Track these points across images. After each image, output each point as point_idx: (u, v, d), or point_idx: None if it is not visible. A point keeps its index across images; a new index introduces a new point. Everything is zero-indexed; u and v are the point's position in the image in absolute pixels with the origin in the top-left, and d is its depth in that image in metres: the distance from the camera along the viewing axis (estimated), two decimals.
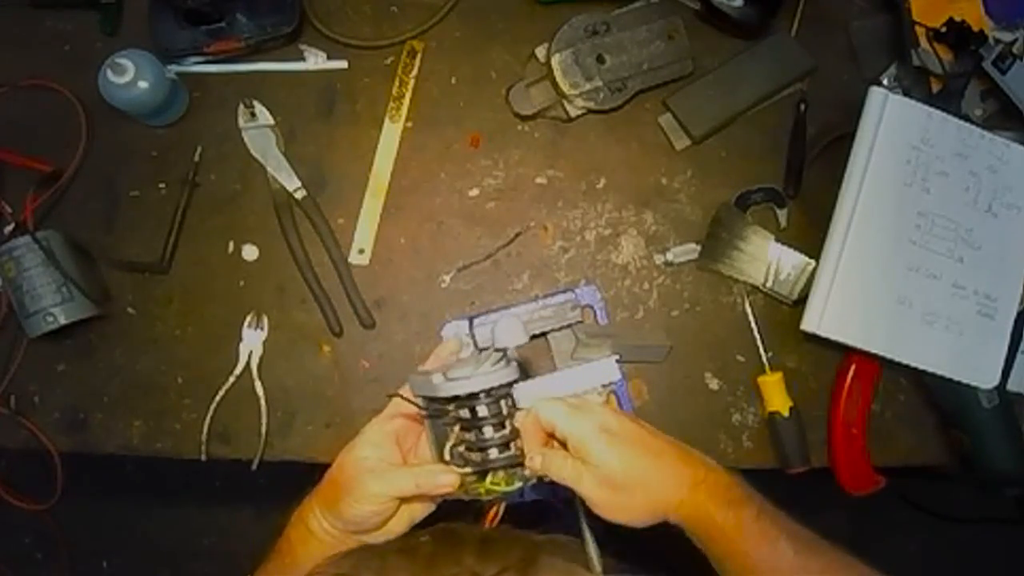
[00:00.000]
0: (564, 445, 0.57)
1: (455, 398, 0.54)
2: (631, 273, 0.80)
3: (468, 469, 0.55)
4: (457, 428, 0.55)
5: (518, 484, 0.55)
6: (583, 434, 0.55)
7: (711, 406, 0.78)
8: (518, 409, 0.57)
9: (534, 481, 0.57)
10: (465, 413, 0.54)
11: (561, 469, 0.55)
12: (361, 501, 0.54)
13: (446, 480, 0.54)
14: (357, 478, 0.55)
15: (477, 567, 0.30)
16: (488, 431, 0.54)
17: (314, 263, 0.78)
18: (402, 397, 0.57)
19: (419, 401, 0.56)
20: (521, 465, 0.55)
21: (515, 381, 0.55)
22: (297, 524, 0.58)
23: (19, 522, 1.47)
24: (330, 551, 0.55)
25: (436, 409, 0.55)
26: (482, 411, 0.54)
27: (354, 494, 0.55)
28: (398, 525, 0.57)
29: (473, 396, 0.53)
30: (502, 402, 0.55)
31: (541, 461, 0.55)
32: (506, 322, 0.54)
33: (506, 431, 0.55)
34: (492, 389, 0.53)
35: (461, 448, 0.55)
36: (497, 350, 0.54)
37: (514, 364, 0.55)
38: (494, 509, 0.60)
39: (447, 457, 0.56)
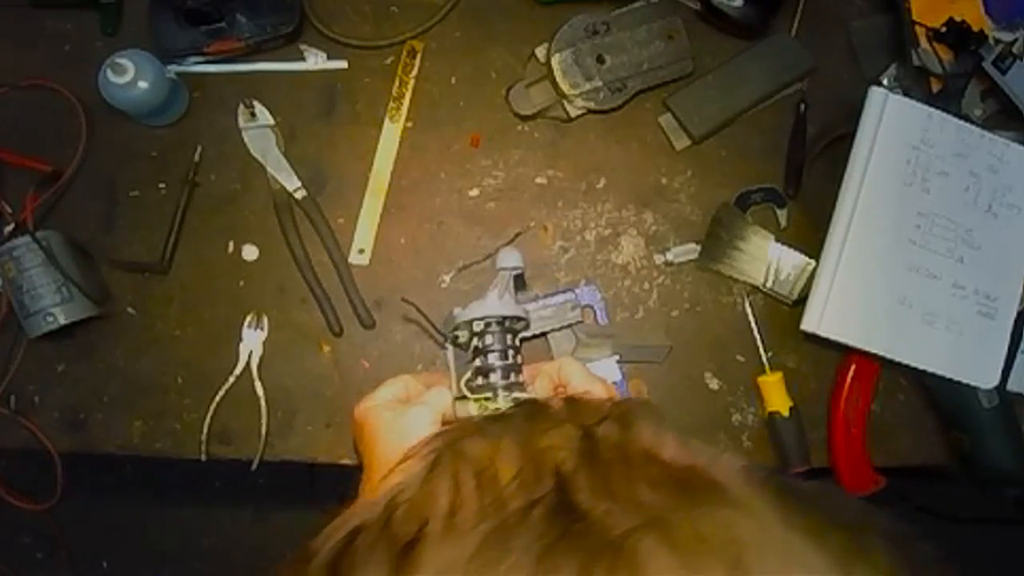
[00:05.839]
0: None
1: (469, 324, 0.62)
2: (631, 273, 0.80)
3: (474, 396, 0.62)
4: (474, 363, 0.63)
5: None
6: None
7: (711, 406, 0.78)
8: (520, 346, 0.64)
9: None
10: (476, 341, 0.62)
11: None
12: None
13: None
14: (408, 426, 0.58)
15: (577, 419, 0.30)
16: (492, 357, 0.61)
17: (314, 263, 0.78)
18: (413, 305, 0.65)
19: (446, 332, 0.65)
20: (522, 389, 0.62)
21: (517, 317, 0.62)
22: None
23: (19, 522, 1.46)
24: None
25: (455, 338, 0.65)
26: (488, 339, 0.61)
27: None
28: None
29: (485, 324, 0.62)
30: (508, 336, 0.62)
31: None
32: (506, 249, 0.64)
33: (509, 361, 0.61)
34: (494, 317, 0.61)
35: (475, 382, 0.63)
36: (501, 269, 0.63)
37: (518, 306, 0.63)
38: None
39: (461, 386, 0.63)
